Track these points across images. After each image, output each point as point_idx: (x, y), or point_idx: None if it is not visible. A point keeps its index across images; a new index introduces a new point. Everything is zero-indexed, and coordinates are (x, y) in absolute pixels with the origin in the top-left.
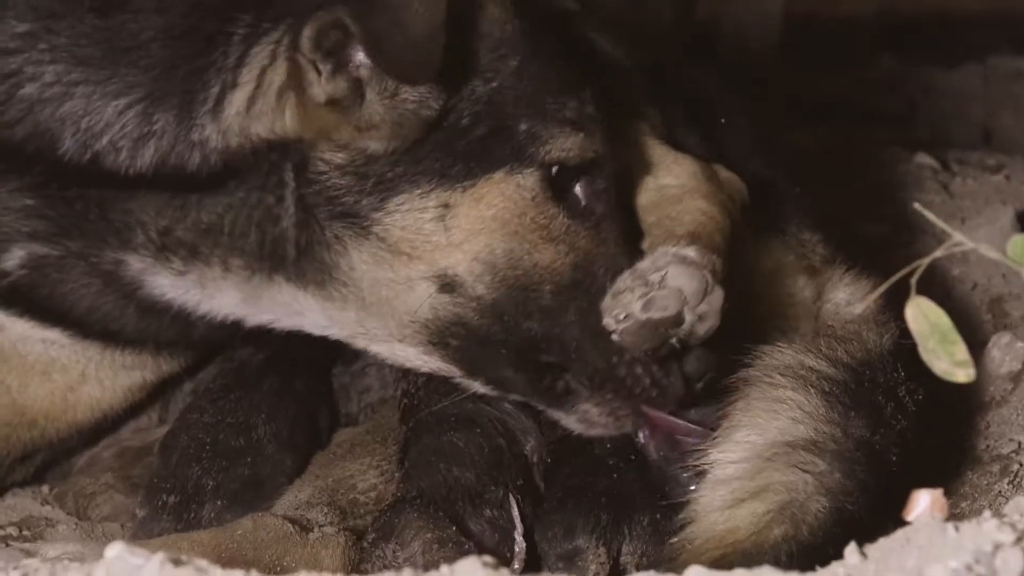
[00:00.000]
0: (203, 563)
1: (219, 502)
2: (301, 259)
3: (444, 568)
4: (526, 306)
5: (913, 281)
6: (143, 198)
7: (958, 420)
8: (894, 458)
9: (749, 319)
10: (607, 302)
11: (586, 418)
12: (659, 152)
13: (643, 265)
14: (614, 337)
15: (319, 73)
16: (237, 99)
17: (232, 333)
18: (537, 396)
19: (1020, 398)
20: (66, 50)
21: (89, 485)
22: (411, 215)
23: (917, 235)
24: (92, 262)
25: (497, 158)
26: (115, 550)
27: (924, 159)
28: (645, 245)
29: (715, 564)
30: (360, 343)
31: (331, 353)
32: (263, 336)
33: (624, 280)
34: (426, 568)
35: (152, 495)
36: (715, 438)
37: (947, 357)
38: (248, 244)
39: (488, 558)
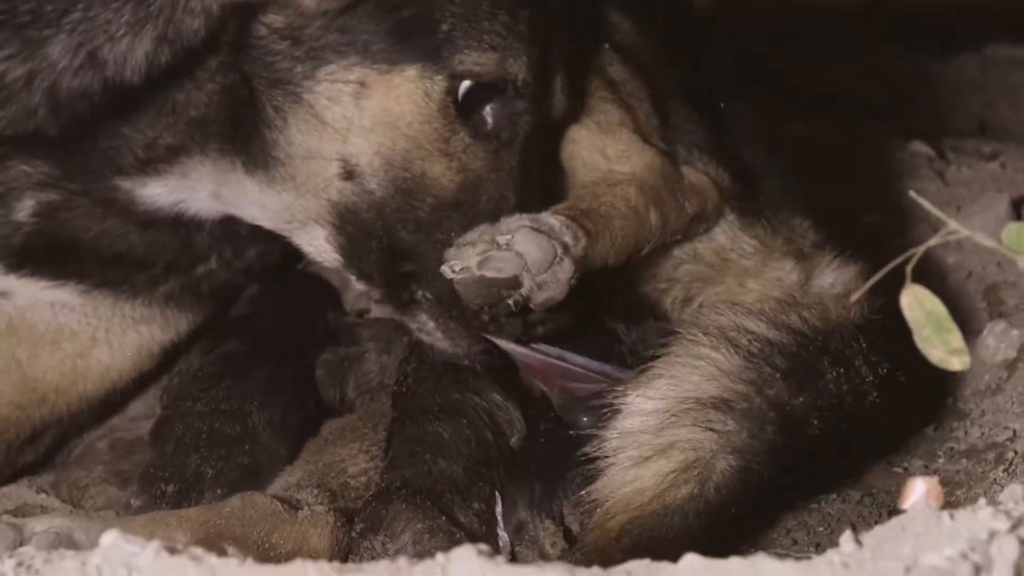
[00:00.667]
0: (198, 551)
1: (219, 490)
2: (251, 143)
3: (439, 556)
4: (404, 212)
5: (908, 269)
6: (136, 116)
7: (953, 408)
8: (816, 422)
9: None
10: (450, 251)
11: (424, 328)
12: (625, 139)
13: (500, 223)
14: (455, 287)
15: None
16: None
17: (228, 286)
18: (388, 297)
19: (1015, 386)
20: None
21: (83, 477)
22: (336, 87)
23: (912, 223)
24: (93, 196)
25: (414, 51)
26: (110, 537)
27: (919, 147)
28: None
29: (625, 529)
30: (288, 232)
31: (316, 343)
32: (249, 326)
33: (473, 233)
34: (419, 557)
35: (149, 484)
36: (632, 383)
37: (942, 345)
38: (221, 127)
39: (483, 546)
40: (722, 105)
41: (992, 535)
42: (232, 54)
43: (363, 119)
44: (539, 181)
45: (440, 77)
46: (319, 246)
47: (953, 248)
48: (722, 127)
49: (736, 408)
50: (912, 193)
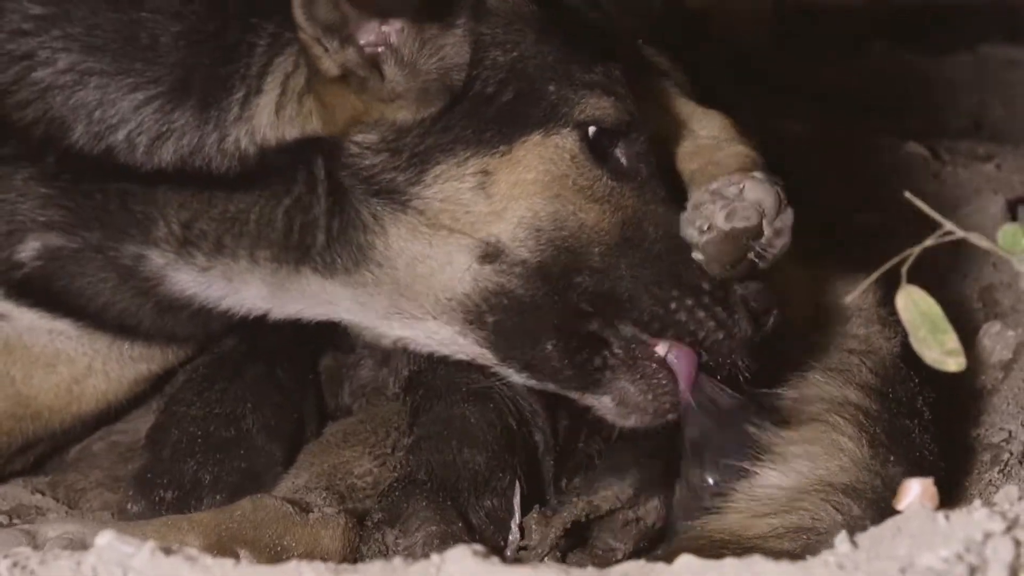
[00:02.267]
0: (193, 551)
1: (218, 496)
2: (331, 246)
3: (435, 556)
4: (576, 265)
5: (904, 270)
6: (165, 193)
7: (949, 409)
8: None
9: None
10: (688, 214)
11: (623, 398)
12: (688, 107)
13: (717, 184)
14: (695, 255)
15: (326, 49)
16: (264, 105)
17: (249, 324)
18: (573, 374)
19: (1011, 387)
20: (80, 39)
21: (80, 481)
22: (450, 184)
23: (907, 224)
24: (110, 256)
25: (531, 121)
26: (105, 538)
27: (915, 148)
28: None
29: (712, 545)
30: (394, 327)
31: (317, 344)
32: (256, 326)
33: (702, 195)
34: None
35: (147, 490)
36: (771, 454)
37: (938, 346)
38: (275, 235)
39: (478, 547)
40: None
41: (987, 536)
42: (296, 174)
43: (494, 204)
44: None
45: (567, 130)
46: (443, 336)
47: (949, 249)
48: None
49: (864, 497)
50: (907, 194)
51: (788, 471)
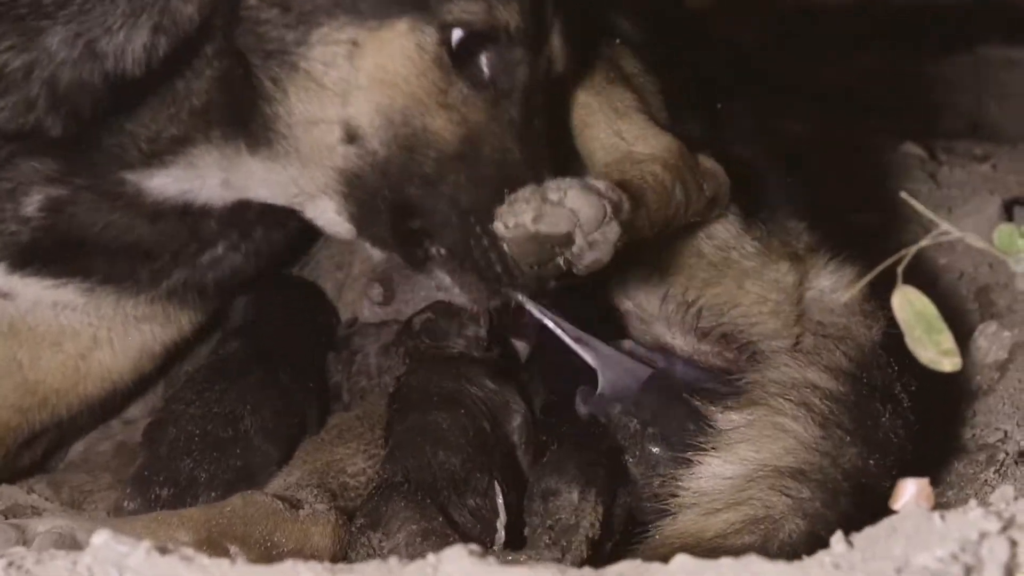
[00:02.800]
0: (189, 551)
1: (213, 493)
2: (251, 122)
3: (431, 556)
4: (409, 169)
5: (900, 270)
6: (138, 111)
7: (945, 409)
8: (887, 484)
9: (737, 308)
10: (502, 208)
11: (442, 284)
12: (642, 123)
13: (548, 183)
14: (503, 245)
15: None
16: None
17: (233, 277)
18: (404, 257)
19: (1006, 387)
20: None
21: (88, 483)
22: (330, 49)
23: (904, 224)
24: (99, 191)
25: (403, 3)
26: (101, 537)
27: (911, 148)
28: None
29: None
30: (299, 206)
31: (322, 350)
32: (250, 331)
33: (524, 191)
34: (412, 558)
35: (143, 487)
36: (714, 442)
37: (933, 346)
38: (222, 112)
39: (474, 547)
40: (719, 106)
41: (983, 536)
42: (226, 38)
43: (359, 79)
44: (546, 140)
45: (431, 28)
46: (330, 218)
47: (945, 249)
48: (718, 127)
49: (813, 478)
50: (904, 194)
51: (731, 458)
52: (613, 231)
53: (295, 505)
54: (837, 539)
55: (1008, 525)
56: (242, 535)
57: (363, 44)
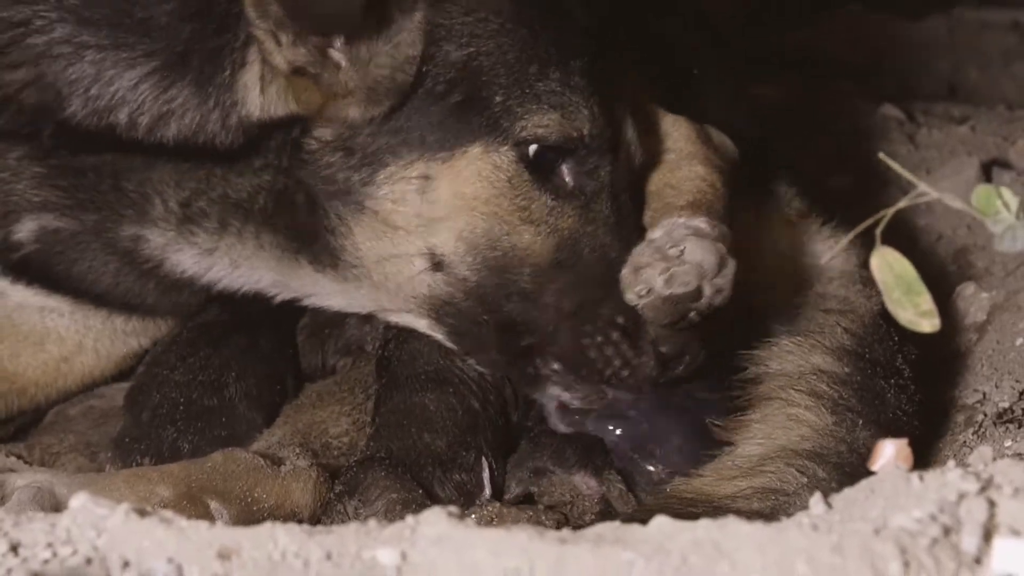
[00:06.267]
0: (168, 513)
1: None
2: (315, 243)
3: (409, 519)
4: (506, 288)
5: (878, 232)
6: (163, 167)
7: (923, 371)
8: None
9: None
10: (627, 276)
11: (557, 398)
12: (654, 115)
13: (659, 239)
14: (640, 311)
15: (279, 43)
16: (248, 77)
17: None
18: (516, 378)
19: (985, 349)
20: (75, 11)
21: (55, 444)
22: (398, 187)
23: (883, 186)
24: (108, 237)
25: (473, 130)
26: (80, 500)
27: (890, 110)
28: (647, 216)
29: (681, 503)
30: (383, 316)
31: (296, 314)
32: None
33: (643, 254)
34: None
35: (125, 454)
36: (729, 439)
37: (912, 307)
38: (277, 222)
39: (453, 508)
40: (695, 72)
41: (961, 497)
42: (280, 158)
43: (436, 211)
44: (637, 221)
45: (505, 148)
46: (423, 327)
47: (923, 211)
48: (698, 94)
49: (829, 461)
50: (882, 155)
51: (750, 443)
52: (731, 269)
53: (276, 462)
54: (816, 500)
55: (986, 486)
56: (222, 490)
57: (435, 177)
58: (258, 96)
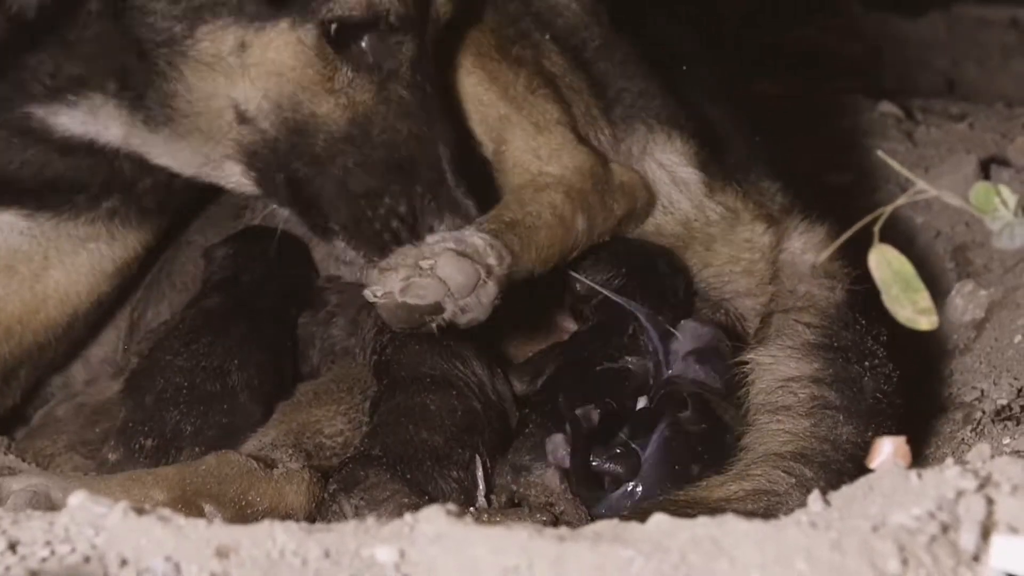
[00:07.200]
0: (165, 512)
1: (196, 448)
2: (146, 93)
3: (408, 517)
4: (301, 148)
5: (876, 229)
6: (38, 48)
7: (921, 368)
8: (871, 426)
9: (708, 268)
10: (373, 274)
11: (342, 253)
12: (559, 138)
13: (423, 246)
14: (377, 310)
15: None
16: None
17: (175, 197)
18: (307, 225)
19: (983, 346)
20: None
21: (48, 447)
22: (215, 45)
23: (881, 183)
24: (10, 127)
25: (284, 3)
26: (78, 498)
27: (888, 108)
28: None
29: (677, 506)
30: (203, 175)
31: (297, 305)
32: (229, 285)
33: (396, 257)
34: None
35: (127, 438)
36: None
37: (910, 305)
38: (113, 71)
39: (451, 506)
40: (684, 68)
41: (960, 494)
42: (108, 7)
43: (248, 71)
44: (441, 104)
45: (310, 25)
46: (238, 180)
47: (922, 208)
48: (688, 91)
49: (815, 461)
50: (880, 153)
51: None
52: (488, 292)
53: (269, 464)
54: (814, 498)
55: (985, 483)
56: (216, 494)
57: (249, 43)
58: None
